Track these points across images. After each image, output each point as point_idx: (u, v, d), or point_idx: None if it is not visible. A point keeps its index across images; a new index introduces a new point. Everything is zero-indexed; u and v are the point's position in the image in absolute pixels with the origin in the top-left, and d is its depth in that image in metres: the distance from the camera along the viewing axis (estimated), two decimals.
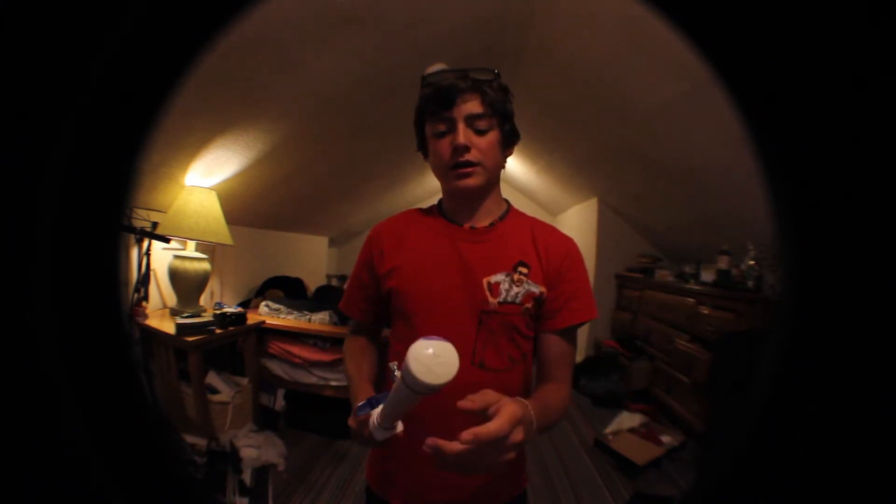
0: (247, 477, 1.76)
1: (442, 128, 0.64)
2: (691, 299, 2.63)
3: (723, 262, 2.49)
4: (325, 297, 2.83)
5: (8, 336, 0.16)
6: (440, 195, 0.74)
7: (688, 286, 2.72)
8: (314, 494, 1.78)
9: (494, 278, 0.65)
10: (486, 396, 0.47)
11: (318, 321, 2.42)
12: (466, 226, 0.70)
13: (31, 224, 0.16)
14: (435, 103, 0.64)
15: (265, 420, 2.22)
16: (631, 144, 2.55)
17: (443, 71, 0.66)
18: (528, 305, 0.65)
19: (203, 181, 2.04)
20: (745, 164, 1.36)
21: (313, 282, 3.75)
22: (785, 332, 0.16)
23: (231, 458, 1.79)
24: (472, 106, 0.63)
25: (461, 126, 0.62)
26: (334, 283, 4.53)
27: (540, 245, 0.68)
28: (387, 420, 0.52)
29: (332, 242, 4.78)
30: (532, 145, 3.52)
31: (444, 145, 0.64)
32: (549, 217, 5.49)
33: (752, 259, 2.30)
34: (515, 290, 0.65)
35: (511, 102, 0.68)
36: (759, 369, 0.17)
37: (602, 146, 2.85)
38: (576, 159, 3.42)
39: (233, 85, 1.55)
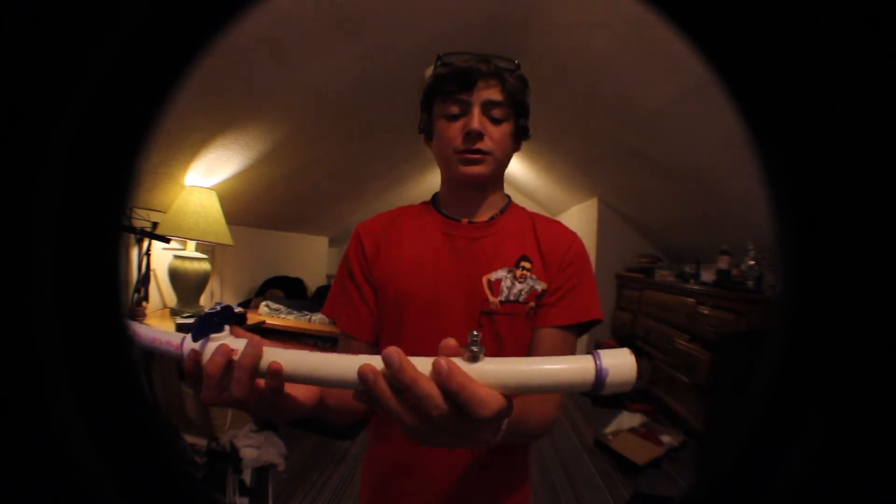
0: (247, 477, 1.76)
1: (455, 110, 0.58)
2: (691, 299, 2.63)
3: (723, 262, 2.49)
4: (325, 298, 2.83)
5: (7, 336, 0.16)
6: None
7: (688, 286, 2.72)
8: (314, 494, 1.78)
9: (495, 275, 0.59)
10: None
11: (318, 321, 2.42)
12: (464, 220, 0.64)
13: (31, 224, 0.16)
14: (452, 83, 0.58)
15: (265, 420, 2.22)
16: (631, 144, 2.54)
17: (461, 53, 0.59)
18: (532, 304, 0.59)
19: (203, 181, 2.04)
20: (745, 164, 1.36)
21: (313, 282, 3.75)
22: (785, 332, 0.16)
23: (231, 458, 1.79)
24: (492, 92, 0.58)
25: (476, 111, 0.57)
26: None
27: (542, 239, 0.63)
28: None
29: (332, 242, 4.78)
30: (532, 145, 3.52)
31: (455, 129, 0.59)
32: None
33: (752, 259, 2.30)
34: (518, 286, 0.59)
35: (528, 97, 0.62)
36: (758, 369, 0.17)
37: (602, 146, 2.85)
38: (576, 159, 3.42)
39: (233, 85, 1.55)
